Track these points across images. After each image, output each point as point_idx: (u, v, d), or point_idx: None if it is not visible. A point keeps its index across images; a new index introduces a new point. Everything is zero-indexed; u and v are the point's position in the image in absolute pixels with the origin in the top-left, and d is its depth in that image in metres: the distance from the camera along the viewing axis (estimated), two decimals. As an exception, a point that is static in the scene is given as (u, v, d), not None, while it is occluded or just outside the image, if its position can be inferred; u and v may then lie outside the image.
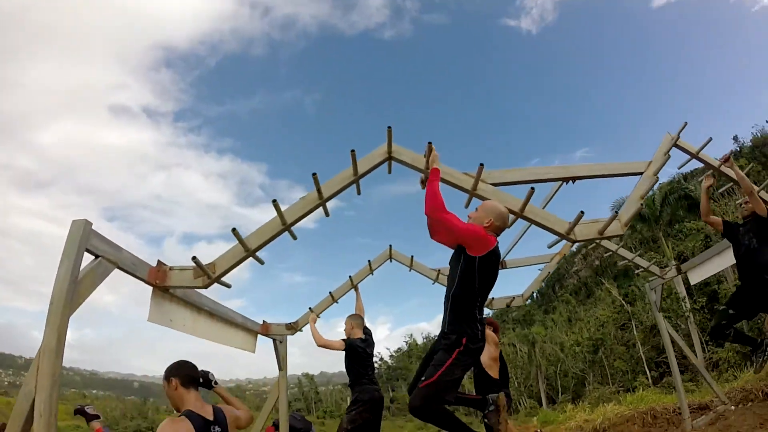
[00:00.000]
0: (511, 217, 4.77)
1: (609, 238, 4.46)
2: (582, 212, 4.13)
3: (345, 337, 5.30)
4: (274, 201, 3.29)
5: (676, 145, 5.15)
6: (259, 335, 5.61)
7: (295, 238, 3.75)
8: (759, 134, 21.93)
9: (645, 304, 21.62)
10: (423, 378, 2.89)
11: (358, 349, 5.19)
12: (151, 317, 3.37)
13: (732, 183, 5.68)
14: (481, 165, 3.82)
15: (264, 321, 5.75)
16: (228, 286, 3.64)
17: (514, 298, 7.07)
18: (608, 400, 10.80)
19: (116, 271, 3.02)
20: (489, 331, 5.08)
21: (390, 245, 6.37)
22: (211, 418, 2.62)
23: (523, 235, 6.56)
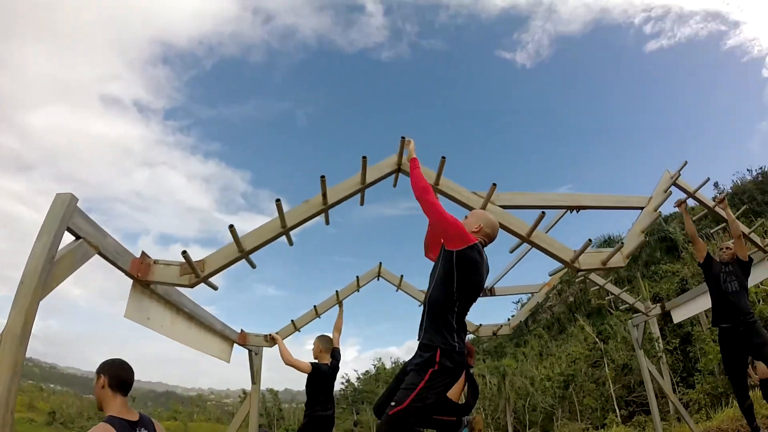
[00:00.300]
0: (516, 240, 4.65)
1: (611, 269, 4.39)
2: (590, 240, 4.05)
3: (313, 360, 5.05)
4: (278, 201, 3.07)
5: (675, 184, 5.18)
6: (234, 345, 5.29)
7: (291, 243, 3.53)
8: (739, 182, 22.56)
9: (617, 343, 21.80)
10: (392, 403, 2.55)
11: (324, 374, 4.95)
12: (128, 313, 3.08)
13: (723, 225, 5.72)
14: (494, 185, 3.71)
15: (242, 330, 5.44)
16: (215, 288, 3.38)
17: (501, 326, 6.91)
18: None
19: (94, 258, 2.74)
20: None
21: (380, 263, 6.17)
22: (135, 419, 2.30)
23: (515, 264, 6.45)
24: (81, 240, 2.59)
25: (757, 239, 6.05)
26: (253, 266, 3.44)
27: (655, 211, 4.88)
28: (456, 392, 4.84)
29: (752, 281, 6.82)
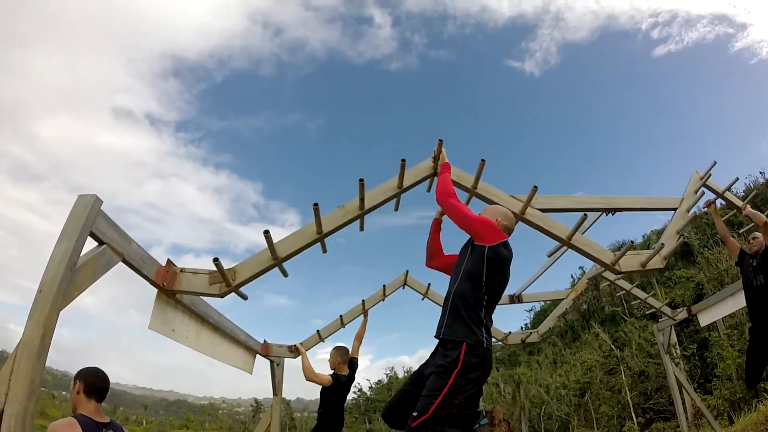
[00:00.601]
0: (555, 244, 4.47)
1: (650, 270, 4.27)
2: (632, 242, 3.90)
3: (331, 371, 4.95)
4: (315, 205, 2.91)
5: (705, 185, 5.04)
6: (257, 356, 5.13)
7: (325, 251, 3.37)
8: (752, 185, 22.14)
9: (633, 350, 21.39)
10: (414, 413, 2.25)
11: (342, 385, 4.93)
12: (152, 324, 2.93)
13: (751, 226, 5.54)
14: (535, 187, 3.57)
15: (265, 341, 5.28)
16: (245, 297, 3.21)
17: (531, 333, 6.73)
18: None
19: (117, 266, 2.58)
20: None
21: (407, 271, 6.00)
22: (105, 421, 2.43)
23: (546, 269, 6.26)
24: (104, 246, 2.43)
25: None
26: (285, 275, 3.28)
27: (688, 212, 4.79)
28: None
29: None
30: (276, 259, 2.95)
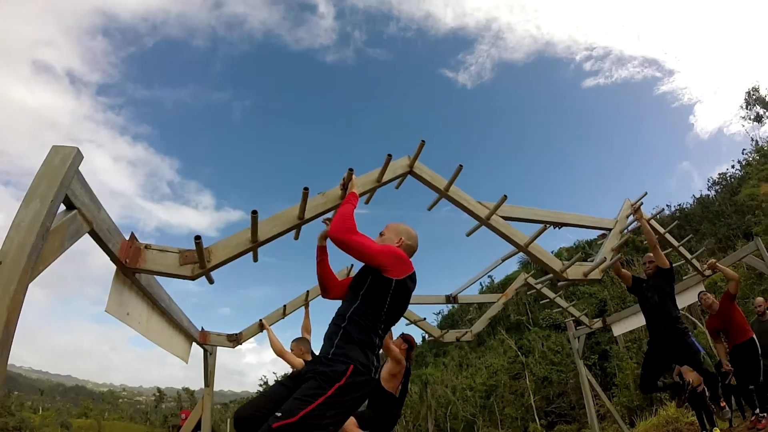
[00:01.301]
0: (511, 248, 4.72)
1: (591, 281, 4.72)
2: (581, 254, 4.23)
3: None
4: (306, 189, 2.82)
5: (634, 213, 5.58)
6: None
7: (297, 237, 3.28)
8: (659, 216, 24.85)
9: (536, 357, 23.05)
10: (278, 414, 2.00)
11: None
12: (109, 307, 2.66)
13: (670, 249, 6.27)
14: (504, 196, 3.76)
15: (203, 328, 4.98)
16: (211, 281, 3.02)
17: (465, 332, 7.01)
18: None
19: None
20: (393, 345, 5.00)
21: (352, 265, 5.98)
22: None
23: (485, 274, 6.57)
24: (75, 211, 2.11)
25: (697, 264, 6.66)
26: (255, 259, 3.14)
27: (621, 233, 5.27)
28: (394, 386, 4.85)
29: (682, 303, 7.49)
30: (255, 242, 2.81)
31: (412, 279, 2.43)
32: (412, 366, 5.09)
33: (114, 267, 2.68)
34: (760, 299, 6.53)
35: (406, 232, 2.63)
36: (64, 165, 1.99)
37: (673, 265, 5.09)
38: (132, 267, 2.68)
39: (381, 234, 2.65)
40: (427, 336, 7.12)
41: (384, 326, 2.33)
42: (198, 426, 5.39)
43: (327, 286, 2.72)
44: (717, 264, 6.14)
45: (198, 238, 2.53)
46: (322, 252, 2.76)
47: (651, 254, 5.09)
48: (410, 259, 2.50)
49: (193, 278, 2.72)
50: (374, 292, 2.33)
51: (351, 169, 3.02)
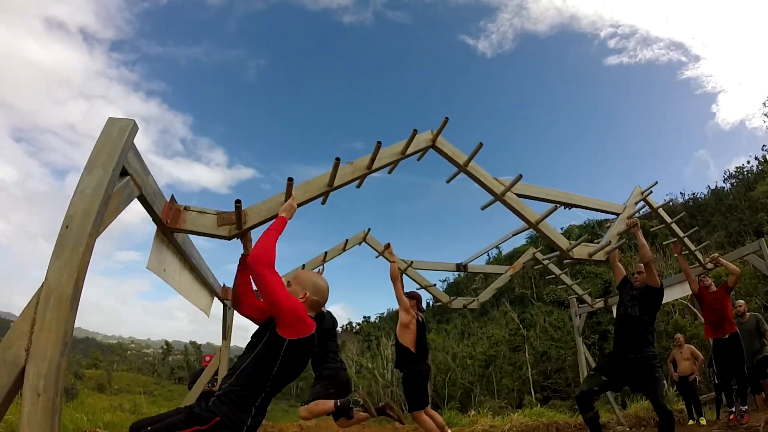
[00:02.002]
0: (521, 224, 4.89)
1: (594, 261, 4.90)
2: (587, 235, 4.42)
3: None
4: (337, 159, 3.03)
5: (644, 200, 5.74)
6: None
7: (324, 203, 3.52)
8: (671, 203, 24.77)
9: (537, 332, 23.58)
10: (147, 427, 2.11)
11: (322, 333, 5.08)
12: (150, 264, 2.89)
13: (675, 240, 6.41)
14: (520, 175, 3.93)
15: (224, 284, 5.29)
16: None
17: (473, 300, 7.33)
18: (497, 413, 11.50)
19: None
20: (405, 296, 5.33)
21: (369, 228, 6.26)
22: None
23: (493, 247, 6.79)
24: (128, 177, 2.33)
25: (700, 257, 6.81)
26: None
27: (629, 219, 5.41)
28: (410, 338, 5.19)
29: (681, 293, 7.68)
30: (289, 205, 3.04)
31: (308, 341, 2.33)
32: (424, 320, 5.44)
33: (155, 227, 2.94)
34: (741, 301, 7.11)
35: (312, 286, 2.55)
36: (122, 136, 2.18)
37: (664, 287, 4.71)
38: (172, 227, 2.92)
39: (288, 284, 2.53)
40: (432, 302, 7.47)
41: (272, 385, 2.28)
42: (216, 374, 5.80)
43: (240, 299, 2.68)
44: (719, 258, 6.33)
45: (238, 201, 2.77)
46: (245, 261, 2.70)
47: (642, 267, 4.63)
48: (311, 319, 2.41)
49: (229, 238, 2.96)
50: (266, 351, 2.28)
51: (290, 179, 2.88)
